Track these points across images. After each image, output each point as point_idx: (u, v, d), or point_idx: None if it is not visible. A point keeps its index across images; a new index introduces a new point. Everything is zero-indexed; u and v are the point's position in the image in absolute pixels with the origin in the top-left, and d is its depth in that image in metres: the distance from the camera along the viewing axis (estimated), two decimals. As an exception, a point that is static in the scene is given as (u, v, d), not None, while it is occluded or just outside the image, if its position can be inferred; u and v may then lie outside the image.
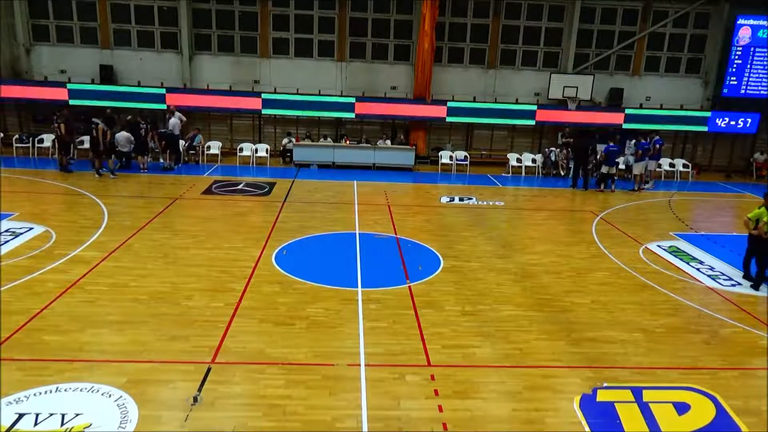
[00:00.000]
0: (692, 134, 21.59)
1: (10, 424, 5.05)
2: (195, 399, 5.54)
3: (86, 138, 17.03)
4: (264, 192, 14.94)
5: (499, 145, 21.58)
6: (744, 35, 20.19)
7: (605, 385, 6.24)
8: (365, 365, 6.37)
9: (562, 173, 19.47)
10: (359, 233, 11.53)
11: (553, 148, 20.01)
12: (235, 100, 19.68)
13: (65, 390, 5.60)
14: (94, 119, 15.72)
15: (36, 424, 5.08)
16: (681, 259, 10.87)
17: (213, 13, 19.80)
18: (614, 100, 20.82)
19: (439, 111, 20.19)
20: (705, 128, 20.82)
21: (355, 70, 20.53)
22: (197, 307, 7.69)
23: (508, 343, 7.13)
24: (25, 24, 19.25)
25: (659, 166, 18.99)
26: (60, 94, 18.93)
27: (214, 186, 15.28)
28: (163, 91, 19.31)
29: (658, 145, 17.60)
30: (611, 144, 16.89)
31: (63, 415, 5.19)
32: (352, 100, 19.88)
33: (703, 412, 5.86)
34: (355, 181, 16.83)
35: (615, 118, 20.54)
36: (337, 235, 11.42)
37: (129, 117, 17.38)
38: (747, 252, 9.72)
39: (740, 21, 20.03)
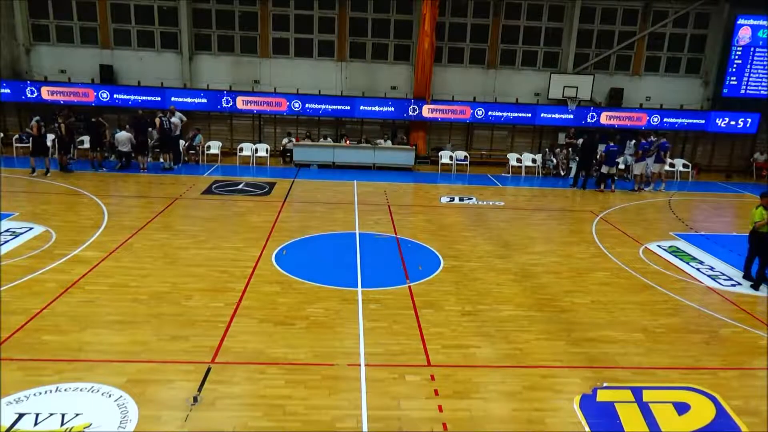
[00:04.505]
0: (692, 134, 21.60)
1: (10, 424, 5.05)
2: (195, 399, 5.54)
3: (86, 138, 17.07)
4: (264, 192, 14.94)
5: (499, 145, 21.59)
6: (744, 35, 20.19)
7: (605, 385, 6.24)
8: (365, 365, 6.36)
9: (562, 173, 19.46)
10: (359, 233, 11.53)
11: (556, 150, 19.99)
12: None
13: (65, 390, 5.60)
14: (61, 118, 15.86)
15: (36, 424, 5.08)
16: (681, 259, 10.86)
17: (213, 13, 19.81)
18: (614, 101, 20.82)
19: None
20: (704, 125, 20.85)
21: (355, 70, 20.54)
22: (197, 307, 7.69)
23: (508, 343, 7.13)
24: (25, 24, 19.25)
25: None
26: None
27: (214, 186, 15.27)
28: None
29: (663, 150, 17.48)
30: (611, 144, 16.88)
31: (63, 415, 5.20)
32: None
33: (703, 412, 5.86)
34: (355, 181, 16.82)
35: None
36: (337, 235, 11.42)
37: (141, 112, 17.46)
38: (749, 252, 9.71)
39: (740, 21, 20.03)
